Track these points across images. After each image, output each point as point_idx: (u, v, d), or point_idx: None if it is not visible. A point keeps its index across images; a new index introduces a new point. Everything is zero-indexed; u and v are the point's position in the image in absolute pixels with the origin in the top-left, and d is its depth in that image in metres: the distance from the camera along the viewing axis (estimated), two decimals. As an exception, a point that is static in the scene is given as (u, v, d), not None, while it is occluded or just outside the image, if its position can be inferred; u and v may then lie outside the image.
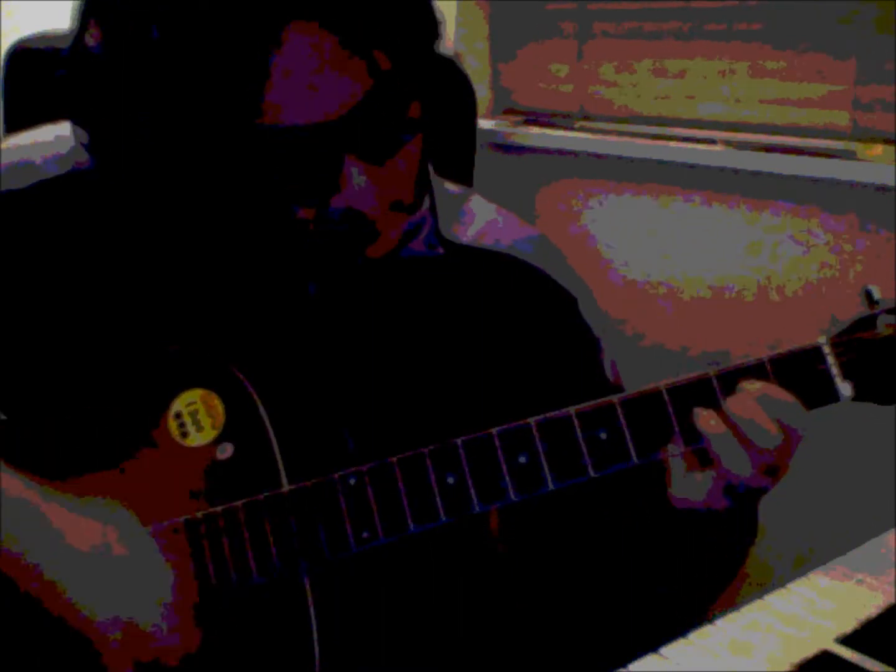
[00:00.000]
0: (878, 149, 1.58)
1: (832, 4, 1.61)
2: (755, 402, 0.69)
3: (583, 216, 1.96)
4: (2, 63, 1.18)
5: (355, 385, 0.83)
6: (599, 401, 0.72)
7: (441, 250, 0.86)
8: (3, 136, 0.93)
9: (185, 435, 0.76)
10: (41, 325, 0.81)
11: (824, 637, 0.73)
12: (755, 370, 0.71)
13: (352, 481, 0.73)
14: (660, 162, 1.83)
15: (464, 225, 0.88)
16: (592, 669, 0.79)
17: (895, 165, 1.52)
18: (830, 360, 0.70)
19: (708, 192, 1.78)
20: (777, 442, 0.69)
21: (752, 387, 0.70)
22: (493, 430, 0.72)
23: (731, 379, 0.71)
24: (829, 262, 1.64)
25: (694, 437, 0.71)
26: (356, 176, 0.70)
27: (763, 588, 0.79)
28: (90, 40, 0.69)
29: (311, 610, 0.74)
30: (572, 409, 0.72)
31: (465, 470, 0.72)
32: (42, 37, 1.17)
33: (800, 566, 0.83)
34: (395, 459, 0.72)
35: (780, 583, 0.80)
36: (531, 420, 0.72)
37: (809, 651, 0.72)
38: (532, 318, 0.88)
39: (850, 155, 1.60)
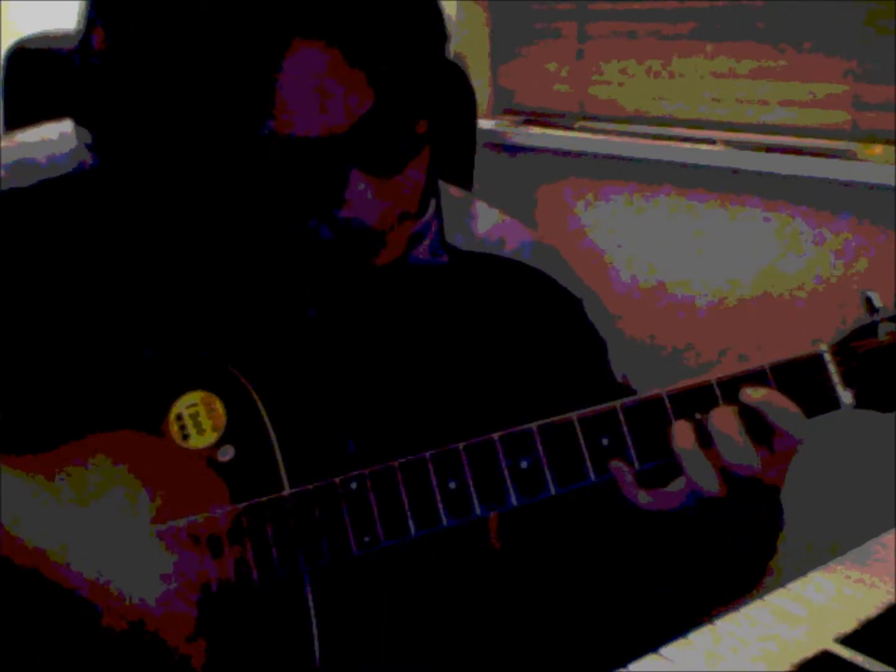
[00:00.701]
0: (878, 149, 1.58)
1: (832, 4, 1.62)
2: (733, 416, 0.69)
3: (582, 216, 1.97)
4: (2, 63, 1.18)
5: (357, 389, 0.83)
6: (602, 406, 0.72)
7: (445, 258, 0.86)
8: (4, 135, 0.93)
9: (185, 437, 0.76)
10: (41, 326, 0.80)
11: (824, 637, 0.73)
12: (756, 377, 0.71)
13: (353, 485, 0.73)
14: (660, 162, 1.83)
15: (467, 230, 0.88)
16: (592, 669, 0.79)
17: (895, 165, 1.52)
18: (831, 367, 0.70)
19: (708, 192, 1.78)
20: (749, 457, 0.69)
21: (754, 394, 0.70)
22: (495, 435, 0.72)
23: (732, 385, 0.71)
24: (829, 261, 1.64)
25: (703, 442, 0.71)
26: (362, 189, 0.70)
27: (763, 588, 0.79)
28: (96, 43, 0.69)
29: (312, 612, 0.74)
30: (574, 415, 0.72)
31: (467, 475, 0.72)
32: (42, 37, 1.17)
33: (800, 566, 0.83)
34: (396, 464, 0.72)
35: (780, 583, 0.80)
36: (533, 425, 0.72)
37: (809, 651, 0.72)
38: (537, 321, 0.88)
39: (850, 155, 1.60)
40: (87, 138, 0.75)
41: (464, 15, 2.09)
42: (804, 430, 0.70)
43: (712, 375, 0.72)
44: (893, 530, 0.89)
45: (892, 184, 1.51)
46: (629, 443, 0.71)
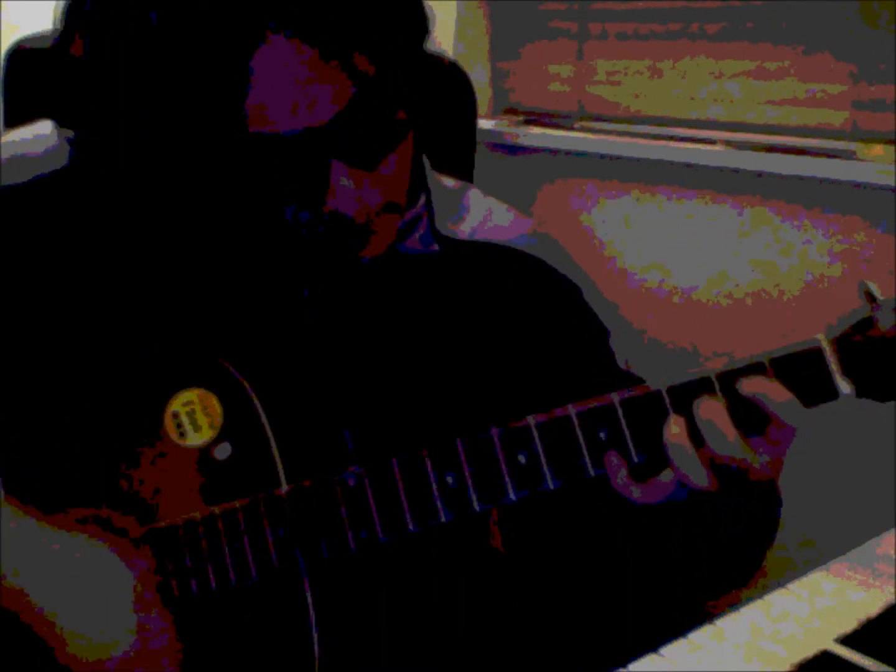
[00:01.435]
0: (878, 149, 1.58)
1: (832, 4, 1.61)
2: (720, 406, 0.69)
3: (582, 216, 1.96)
4: (2, 63, 1.18)
5: (353, 384, 0.82)
6: (599, 400, 0.71)
7: (436, 247, 0.86)
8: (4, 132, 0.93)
9: (182, 435, 0.76)
10: (36, 325, 0.80)
11: (824, 637, 0.73)
12: (755, 368, 0.71)
13: (351, 481, 0.72)
14: (660, 162, 1.83)
15: (461, 219, 0.88)
16: (592, 669, 0.79)
17: (895, 165, 1.52)
18: (830, 357, 0.70)
19: (708, 191, 1.78)
20: (739, 449, 0.69)
21: (753, 385, 0.70)
22: (493, 430, 0.72)
23: (731, 378, 0.71)
24: (829, 261, 1.64)
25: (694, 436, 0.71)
26: (344, 181, 0.70)
27: (763, 588, 0.79)
28: (74, 47, 0.69)
29: (311, 610, 0.74)
30: (572, 409, 0.71)
31: (465, 470, 0.71)
32: (42, 37, 1.17)
33: (800, 566, 0.83)
34: (394, 459, 0.72)
35: (780, 583, 0.80)
36: (531, 420, 0.71)
37: (809, 651, 0.72)
38: (535, 308, 0.88)
39: (850, 155, 1.60)
40: (69, 135, 0.75)
41: (464, 15, 2.09)
42: (802, 420, 0.70)
43: (710, 369, 0.72)
44: (893, 530, 0.89)
45: (892, 184, 1.50)
46: (627, 437, 0.71)
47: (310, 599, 0.74)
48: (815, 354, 0.70)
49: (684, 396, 0.71)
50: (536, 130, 2.05)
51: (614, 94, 1.96)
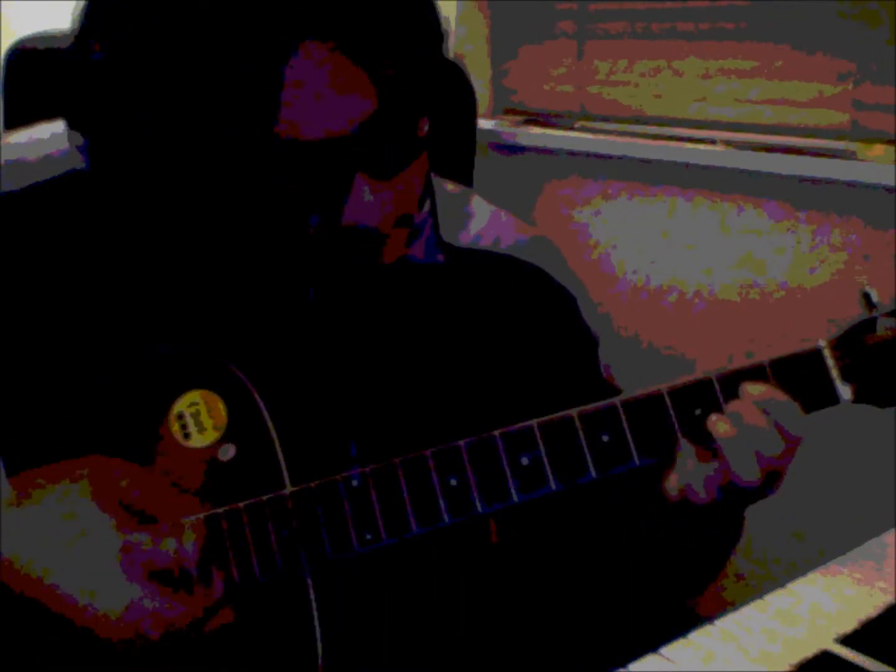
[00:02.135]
0: (879, 149, 1.58)
1: (832, 4, 1.62)
2: (762, 410, 0.70)
3: (582, 216, 1.97)
4: (2, 63, 1.18)
5: (357, 388, 0.83)
6: (602, 403, 0.72)
7: (441, 257, 0.86)
8: (4, 133, 0.93)
9: (187, 436, 0.76)
10: (43, 326, 0.81)
11: (824, 637, 0.73)
12: (755, 373, 0.71)
13: (355, 483, 0.73)
14: (660, 162, 1.83)
15: (463, 227, 0.88)
16: (592, 669, 0.80)
17: (895, 165, 1.52)
18: (830, 362, 0.71)
19: (708, 191, 1.78)
20: (782, 447, 0.70)
21: (754, 390, 0.70)
22: (496, 433, 0.72)
23: (731, 381, 0.71)
24: (829, 261, 1.64)
25: (699, 437, 0.71)
26: (366, 193, 0.70)
27: (763, 588, 0.79)
28: (93, 51, 0.69)
29: (314, 610, 0.74)
30: (574, 412, 0.72)
31: (468, 472, 0.72)
32: (42, 37, 1.17)
33: (800, 566, 0.83)
34: (398, 461, 0.73)
35: (780, 583, 0.80)
36: (534, 422, 0.72)
37: (809, 651, 0.72)
38: (533, 318, 0.88)
39: (850, 155, 1.60)
40: (79, 141, 0.75)
41: (464, 15, 2.09)
42: (803, 425, 0.70)
43: (712, 372, 0.72)
44: (893, 530, 0.89)
45: (892, 184, 1.50)
46: (629, 439, 0.71)
47: (313, 600, 0.74)
48: (816, 359, 0.71)
49: (686, 399, 0.71)
50: (536, 130, 2.05)
51: (614, 94, 1.96)
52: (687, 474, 0.72)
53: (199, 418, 0.76)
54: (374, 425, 0.82)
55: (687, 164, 1.79)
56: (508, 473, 0.72)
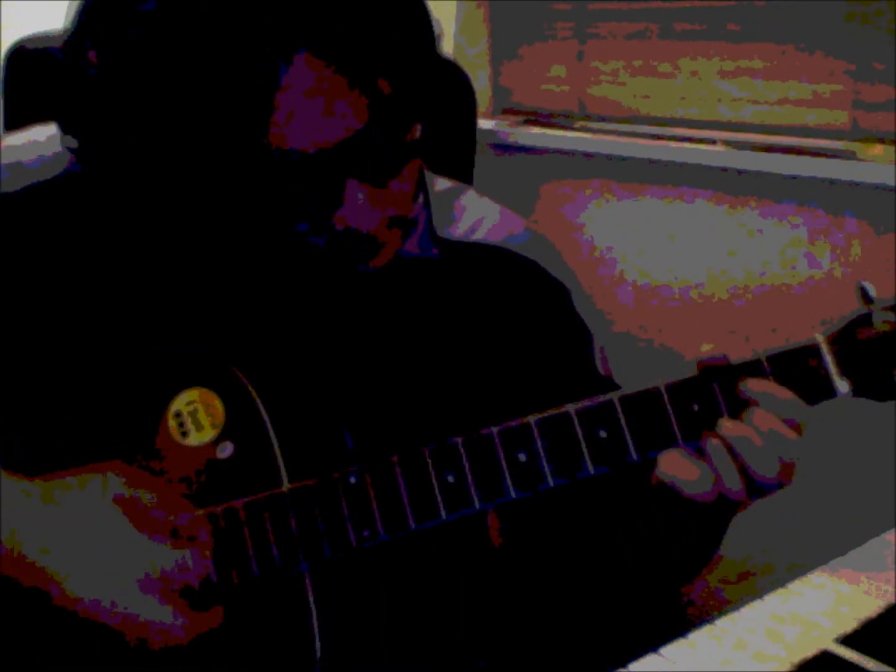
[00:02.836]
0: (878, 149, 1.58)
1: (832, 4, 1.62)
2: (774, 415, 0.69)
3: (582, 216, 1.97)
4: (1, 63, 1.18)
5: (354, 385, 0.83)
6: (599, 399, 0.72)
7: (435, 251, 0.86)
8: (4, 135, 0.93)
9: (184, 434, 0.76)
10: (44, 328, 0.81)
11: (824, 637, 0.73)
12: (752, 368, 0.71)
13: (352, 480, 0.73)
14: (660, 162, 1.83)
15: (456, 220, 0.88)
16: (592, 669, 0.79)
17: (895, 165, 1.52)
18: (828, 357, 0.70)
19: (708, 191, 1.78)
20: (796, 444, 0.69)
21: (754, 386, 0.70)
22: (493, 429, 0.72)
23: (729, 377, 0.71)
24: (829, 261, 1.64)
25: (693, 435, 0.71)
26: (358, 198, 0.70)
27: (763, 588, 0.79)
28: (90, 61, 0.69)
29: (312, 607, 0.74)
30: (572, 408, 0.72)
31: (466, 468, 0.72)
32: (42, 37, 1.17)
33: (800, 566, 0.83)
34: (395, 458, 0.73)
35: (780, 583, 0.80)
36: (531, 418, 0.72)
37: (809, 651, 0.72)
38: (527, 310, 0.88)
39: (850, 155, 1.60)
40: (72, 144, 0.75)
41: (464, 15, 2.09)
42: (805, 417, 0.70)
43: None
44: (893, 530, 0.89)
45: (892, 184, 1.50)
46: (626, 435, 0.71)
47: (311, 596, 0.74)
48: (813, 353, 0.71)
49: (683, 394, 0.71)
50: (536, 130, 2.05)
51: (614, 94, 1.96)
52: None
53: (196, 416, 0.76)
54: (371, 420, 0.82)
55: (686, 164, 1.79)
56: (506, 470, 0.71)
